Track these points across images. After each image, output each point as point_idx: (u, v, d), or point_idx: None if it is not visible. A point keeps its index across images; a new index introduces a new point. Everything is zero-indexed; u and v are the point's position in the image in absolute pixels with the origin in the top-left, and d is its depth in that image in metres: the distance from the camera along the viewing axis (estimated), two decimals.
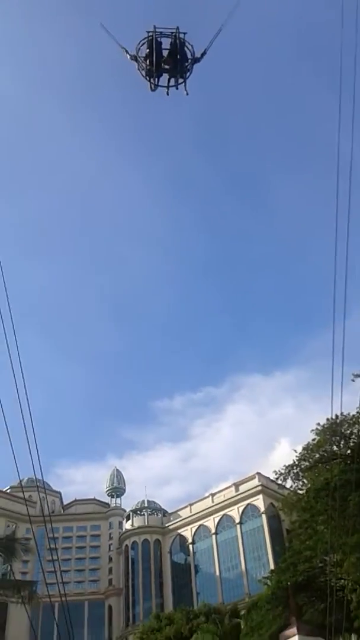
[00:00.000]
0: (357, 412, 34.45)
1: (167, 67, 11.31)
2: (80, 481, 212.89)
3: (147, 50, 11.23)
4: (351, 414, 34.78)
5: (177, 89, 11.41)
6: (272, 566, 73.33)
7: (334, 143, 9.16)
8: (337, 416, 33.08)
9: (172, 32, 11.36)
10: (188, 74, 11.37)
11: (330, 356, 8.65)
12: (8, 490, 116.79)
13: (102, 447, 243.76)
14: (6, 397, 7.88)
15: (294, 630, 14.33)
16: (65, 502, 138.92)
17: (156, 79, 11.35)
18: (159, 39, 11.31)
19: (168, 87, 11.47)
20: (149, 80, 11.27)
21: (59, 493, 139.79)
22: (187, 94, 11.39)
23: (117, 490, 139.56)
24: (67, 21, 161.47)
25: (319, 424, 37.55)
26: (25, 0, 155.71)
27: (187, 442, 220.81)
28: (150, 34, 11.26)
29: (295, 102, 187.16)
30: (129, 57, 11.15)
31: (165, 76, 11.39)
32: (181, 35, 11.26)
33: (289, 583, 30.49)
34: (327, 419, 35.40)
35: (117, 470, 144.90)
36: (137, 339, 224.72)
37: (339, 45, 10.13)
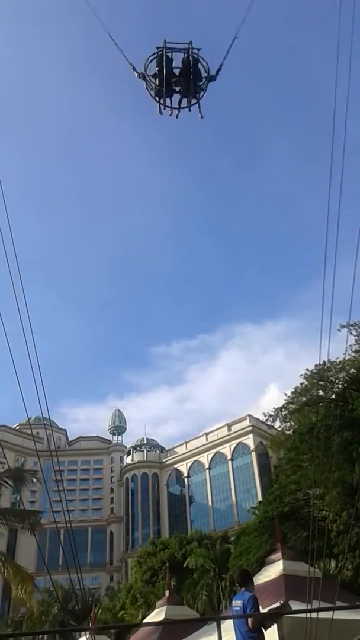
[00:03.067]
0: (344, 360, 34.58)
1: (178, 86, 9.45)
2: (83, 419, 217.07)
3: (157, 68, 9.40)
4: (338, 360, 34.94)
5: (189, 110, 9.51)
6: (260, 498, 75.33)
7: (330, 103, 8.82)
8: (324, 362, 33.24)
9: (184, 48, 9.48)
10: (202, 93, 9.47)
11: (320, 307, 8.59)
12: (17, 427, 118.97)
13: (104, 388, 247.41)
14: (13, 340, 7.88)
15: (279, 555, 14.88)
16: (70, 439, 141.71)
17: (166, 100, 9.49)
18: (169, 55, 9.46)
19: (179, 109, 9.55)
20: (158, 102, 9.46)
21: (65, 430, 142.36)
22: (202, 116, 9.50)
23: (118, 428, 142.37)
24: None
25: (307, 369, 37.74)
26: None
27: (183, 386, 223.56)
28: (160, 49, 9.41)
29: (294, 67, 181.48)
30: (136, 74, 9.35)
31: (176, 96, 9.54)
32: (195, 51, 9.43)
33: (275, 513, 31.36)
34: (316, 365, 35.59)
35: (119, 410, 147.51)
36: (136, 288, 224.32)
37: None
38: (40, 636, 33.40)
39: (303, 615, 8.31)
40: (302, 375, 38.19)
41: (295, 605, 10.41)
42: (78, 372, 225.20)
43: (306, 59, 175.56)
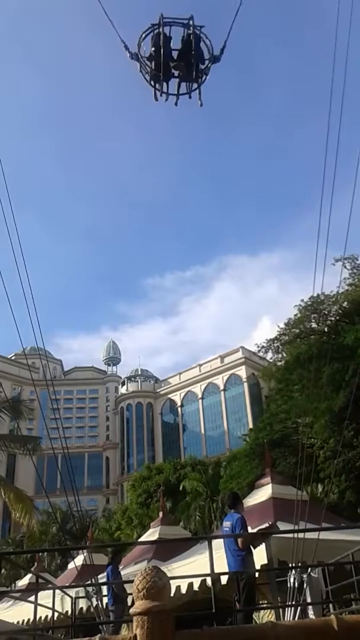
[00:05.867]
0: (337, 293, 34.63)
1: (177, 70, 8.24)
2: (77, 350, 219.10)
3: (153, 48, 8.10)
4: (332, 294, 34.98)
5: (190, 97, 8.30)
6: (251, 426, 77.27)
7: (332, 16, 8.26)
8: (318, 295, 33.32)
9: (183, 24, 8.22)
10: (204, 77, 8.26)
11: (315, 239, 8.43)
12: (13, 357, 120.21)
13: (98, 320, 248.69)
14: (6, 270, 7.76)
15: (268, 479, 15.41)
16: (65, 369, 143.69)
17: (163, 85, 8.27)
18: (167, 32, 8.18)
19: (178, 95, 8.35)
20: (154, 87, 8.21)
21: (60, 361, 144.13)
22: (202, 104, 8.32)
23: (113, 359, 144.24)
24: None
25: (302, 300, 37.81)
26: None
27: (177, 317, 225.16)
28: (156, 26, 8.13)
29: None
30: (129, 55, 8.03)
31: (174, 80, 8.33)
32: (197, 28, 8.17)
33: (265, 440, 32.22)
34: (310, 297, 35.64)
35: (113, 341, 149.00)
36: (128, 219, 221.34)
37: None
38: (39, 554, 34.98)
39: (290, 535, 8.65)
40: (296, 306, 38.35)
41: (283, 526, 10.85)
42: (71, 303, 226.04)
43: None
